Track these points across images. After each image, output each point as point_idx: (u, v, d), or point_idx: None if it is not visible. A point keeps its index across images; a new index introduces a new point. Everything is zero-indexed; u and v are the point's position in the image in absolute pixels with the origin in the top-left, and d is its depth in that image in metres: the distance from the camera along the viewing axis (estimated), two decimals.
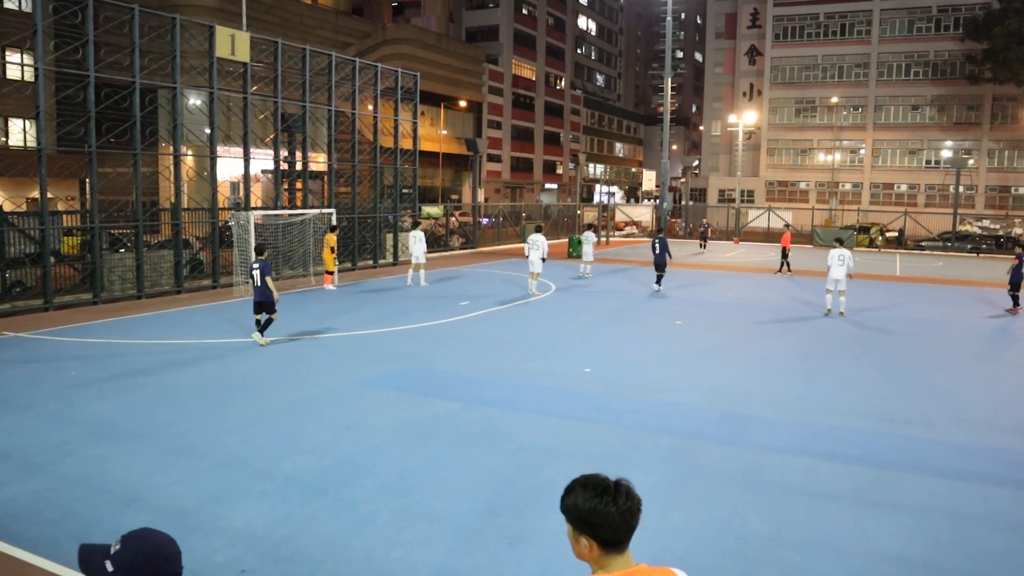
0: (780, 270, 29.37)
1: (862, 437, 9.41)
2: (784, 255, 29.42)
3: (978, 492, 7.69)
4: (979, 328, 18.11)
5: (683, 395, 11.20)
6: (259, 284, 13.78)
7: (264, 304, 13.80)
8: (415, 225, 23.92)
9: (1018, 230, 48.38)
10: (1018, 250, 20.70)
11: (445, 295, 20.92)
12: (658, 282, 23.01)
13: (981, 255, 41.60)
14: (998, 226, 49.97)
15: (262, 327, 13.97)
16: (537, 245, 21.38)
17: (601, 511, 2.27)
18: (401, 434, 9.10)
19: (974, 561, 6.24)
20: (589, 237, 26.83)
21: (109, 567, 2.05)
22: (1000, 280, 22.89)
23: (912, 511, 7.19)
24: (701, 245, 40.52)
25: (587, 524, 2.29)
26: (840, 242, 19.54)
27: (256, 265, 13.89)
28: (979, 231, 48.08)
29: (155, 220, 21.31)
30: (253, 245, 20.12)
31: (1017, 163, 61.62)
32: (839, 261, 18.51)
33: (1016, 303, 20.28)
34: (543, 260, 21.58)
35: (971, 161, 59.87)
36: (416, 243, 22.62)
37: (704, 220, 44.26)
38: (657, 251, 22.80)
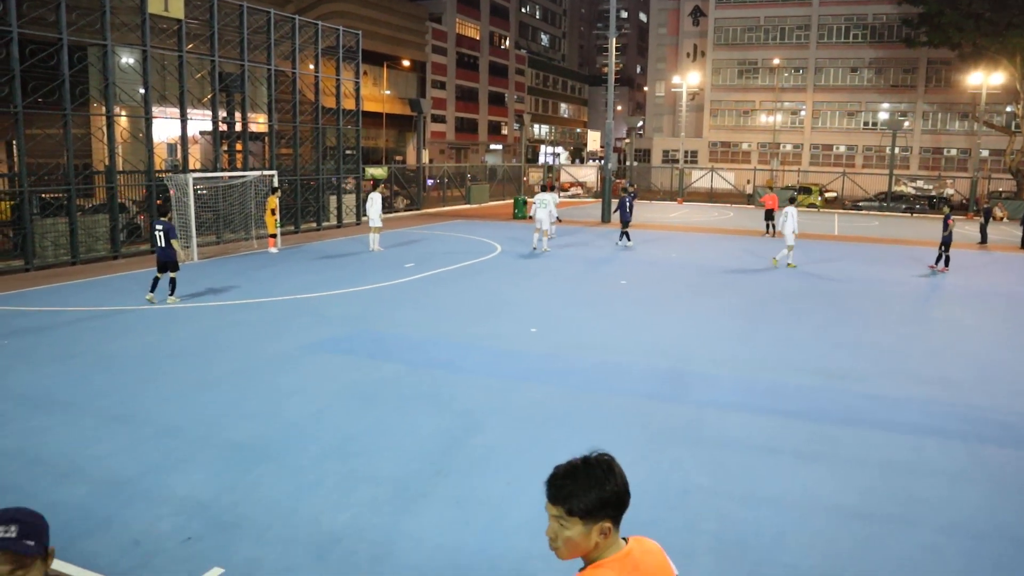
0: (767, 232, 29.23)
1: (799, 392, 9.69)
2: (769, 217, 29.55)
3: (907, 442, 8.00)
4: (908, 285, 18.69)
5: (626, 354, 11.36)
6: (163, 245, 13.89)
7: (168, 263, 13.97)
8: (375, 187, 23.71)
9: (950, 191, 49.79)
10: (946, 210, 21.39)
11: (390, 257, 20.76)
12: (625, 238, 24.34)
13: (915, 215, 42.78)
14: (931, 187, 51.37)
15: (171, 288, 14.13)
16: (545, 203, 22.25)
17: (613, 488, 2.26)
18: (346, 398, 9.07)
19: (904, 507, 6.51)
20: (546, 200, 22.71)
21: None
22: (932, 239, 23.59)
23: (846, 462, 7.45)
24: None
25: (611, 506, 2.26)
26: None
27: (160, 227, 13.99)
28: (913, 191, 49.36)
29: (89, 183, 20.62)
30: (192, 209, 19.72)
31: (949, 125, 63.21)
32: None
33: (939, 260, 20.88)
34: (555, 218, 23.36)
35: (906, 123, 61.20)
36: (372, 206, 22.40)
37: (633, 186, 38.95)
38: (627, 209, 24.59)
